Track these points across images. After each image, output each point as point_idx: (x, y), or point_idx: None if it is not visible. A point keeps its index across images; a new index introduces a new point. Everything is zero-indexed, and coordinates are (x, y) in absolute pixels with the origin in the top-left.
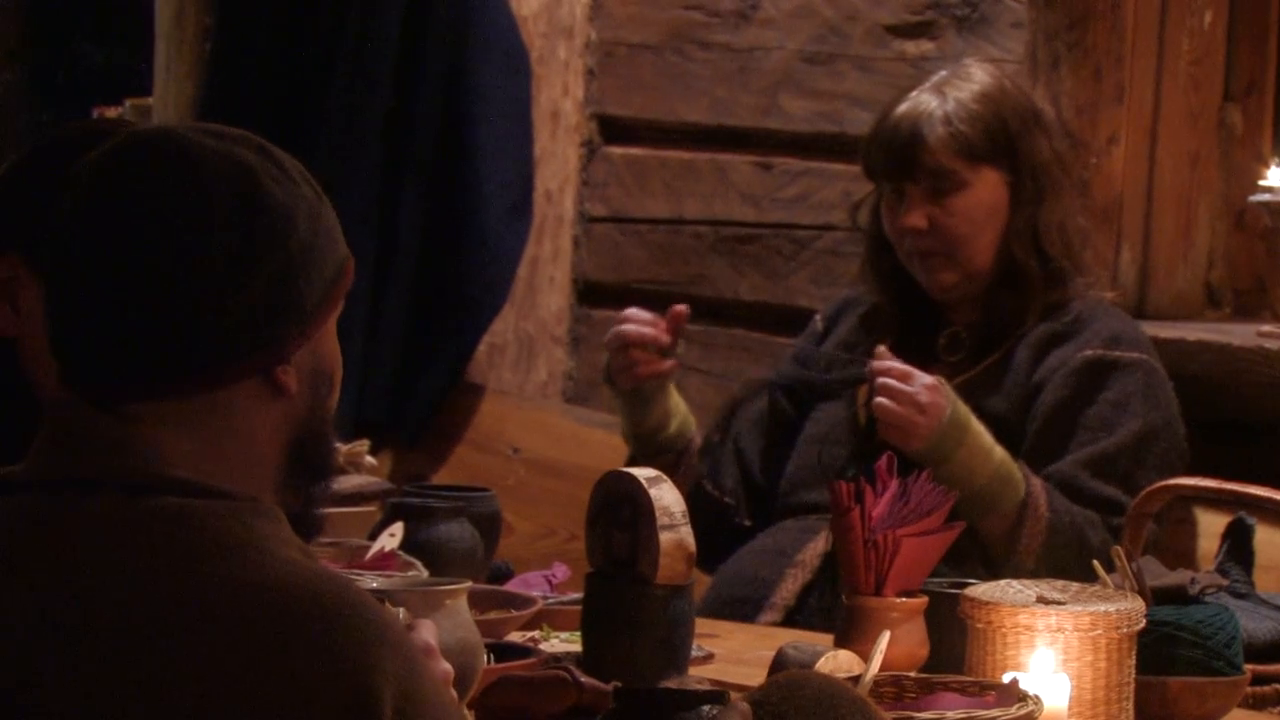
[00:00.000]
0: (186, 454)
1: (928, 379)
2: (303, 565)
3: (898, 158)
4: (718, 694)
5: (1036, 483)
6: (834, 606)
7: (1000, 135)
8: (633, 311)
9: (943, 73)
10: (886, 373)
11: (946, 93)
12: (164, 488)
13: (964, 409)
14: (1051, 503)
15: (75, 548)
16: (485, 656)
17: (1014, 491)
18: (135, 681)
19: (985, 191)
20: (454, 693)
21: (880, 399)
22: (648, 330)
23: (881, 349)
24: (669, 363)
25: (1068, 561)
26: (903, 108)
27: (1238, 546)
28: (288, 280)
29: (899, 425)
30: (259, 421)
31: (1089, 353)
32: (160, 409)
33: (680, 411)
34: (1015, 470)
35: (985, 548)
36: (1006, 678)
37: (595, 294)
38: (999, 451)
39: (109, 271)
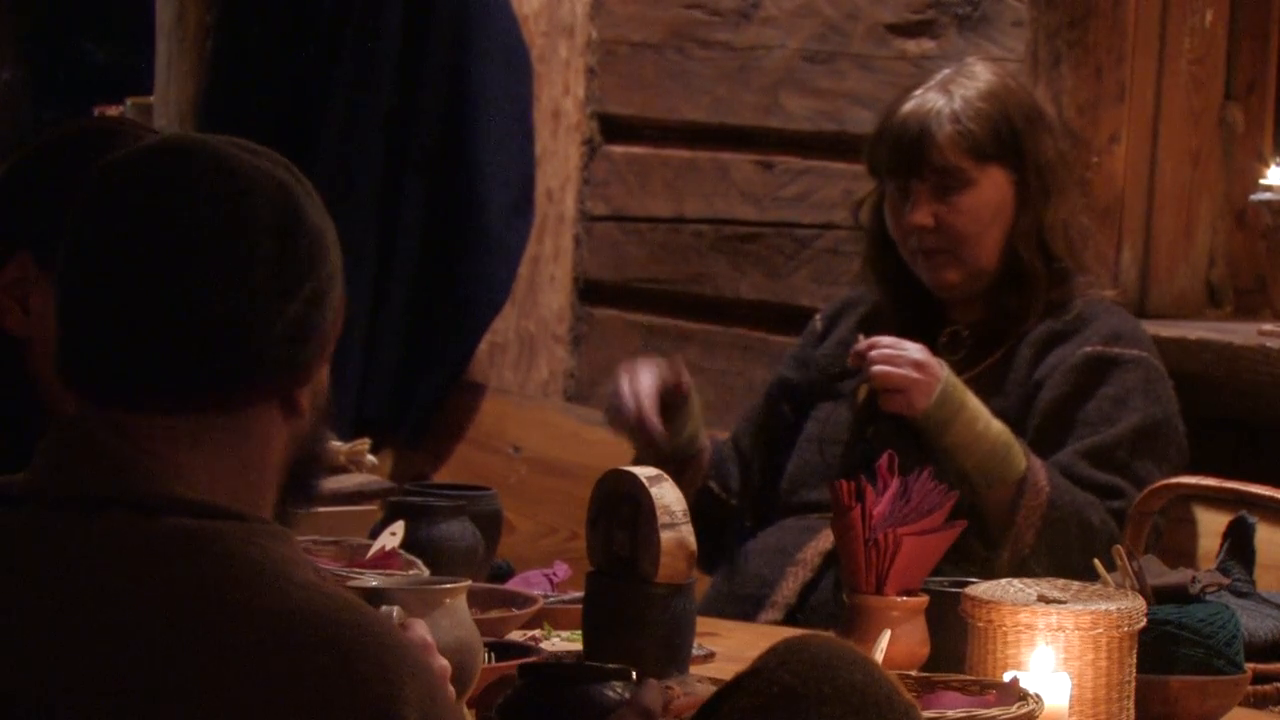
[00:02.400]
0: (197, 473)
1: (916, 344)
2: (319, 590)
3: (905, 155)
4: (625, 671)
5: (1036, 460)
6: (835, 605)
7: (1007, 133)
8: (625, 400)
9: (946, 71)
10: (875, 345)
11: (953, 91)
12: (175, 508)
13: (958, 379)
14: (1052, 479)
15: (83, 567)
16: (485, 655)
17: (1016, 462)
18: (149, 706)
19: (992, 190)
20: (452, 689)
21: (877, 367)
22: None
23: (860, 336)
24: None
25: (1069, 541)
26: (909, 106)
27: (1239, 545)
28: (318, 304)
29: (901, 387)
30: (275, 441)
31: (1089, 349)
32: (174, 427)
33: (689, 427)
34: (1015, 442)
35: (984, 524)
36: (1007, 676)
37: (596, 292)
38: (997, 423)
39: (143, 282)
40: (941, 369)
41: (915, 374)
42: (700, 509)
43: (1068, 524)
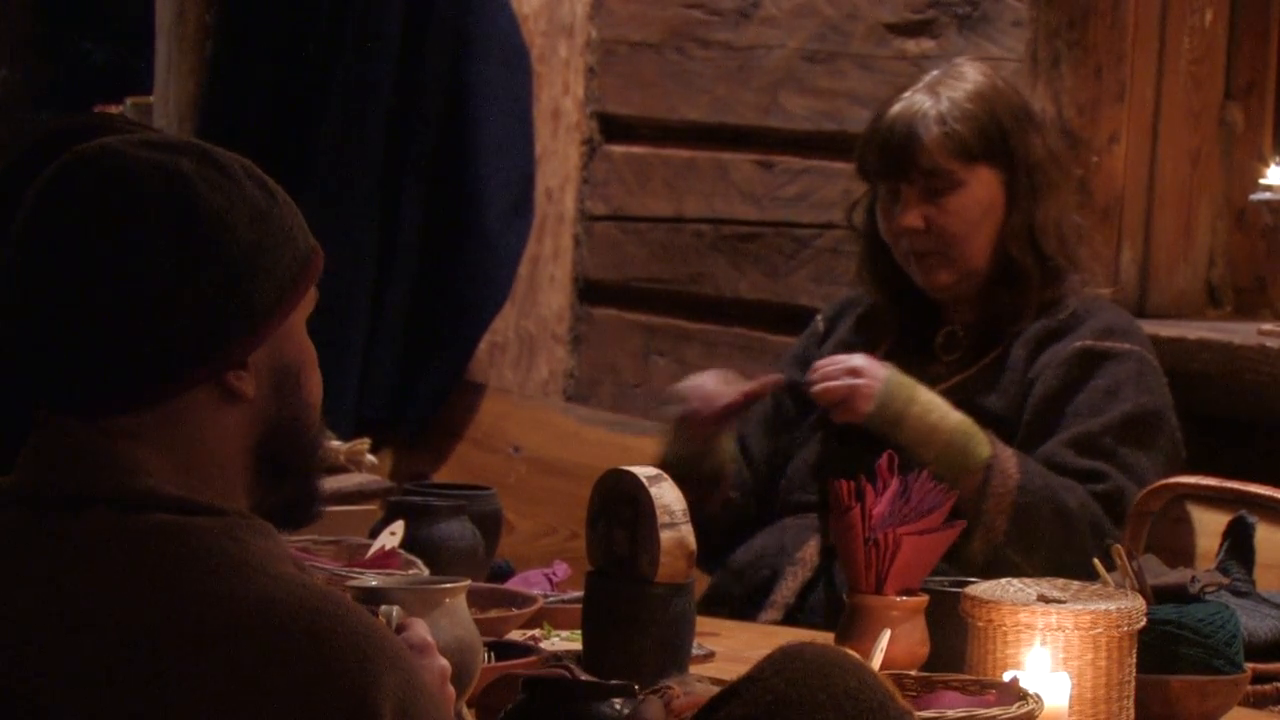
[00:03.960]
0: (149, 467)
1: (857, 355)
2: (298, 581)
3: (893, 158)
4: (627, 687)
5: (1005, 448)
6: (835, 604)
7: (995, 134)
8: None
9: (934, 72)
10: (813, 369)
11: (940, 92)
12: (154, 504)
13: (905, 377)
14: (1023, 466)
15: (66, 565)
16: (485, 655)
17: (978, 450)
18: (130, 699)
19: (981, 190)
20: (452, 689)
21: (816, 386)
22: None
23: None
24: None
25: (1043, 526)
26: (896, 108)
27: (1238, 545)
28: (230, 286)
29: (841, 396)
30: (217, 428)
31: (1080, 344)
32: (130, 423)
33: (730, 447)
34: (978, 432)
35: (955, 514)
36: (1007, 676)
37: (596, 292)
38: (956, 414)
39: (52, 290)
40: (882, 370)
41: (852, 380)
42: (717, 517)
43: (1039, 509)
